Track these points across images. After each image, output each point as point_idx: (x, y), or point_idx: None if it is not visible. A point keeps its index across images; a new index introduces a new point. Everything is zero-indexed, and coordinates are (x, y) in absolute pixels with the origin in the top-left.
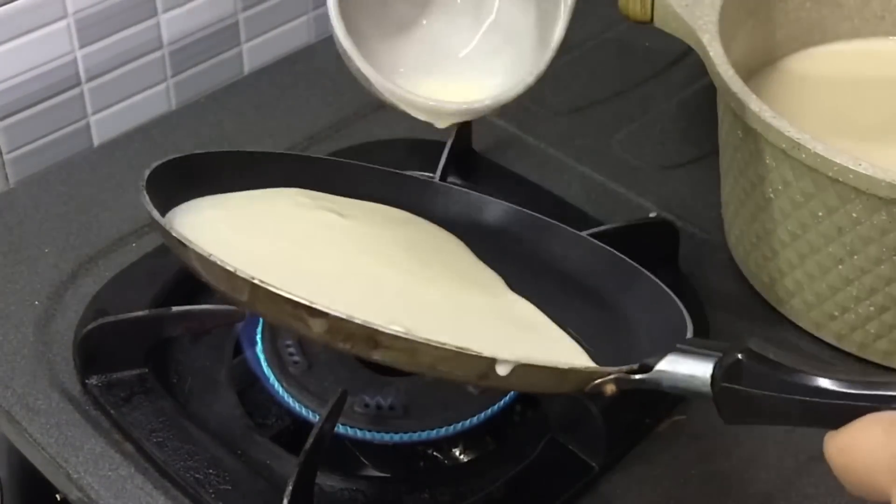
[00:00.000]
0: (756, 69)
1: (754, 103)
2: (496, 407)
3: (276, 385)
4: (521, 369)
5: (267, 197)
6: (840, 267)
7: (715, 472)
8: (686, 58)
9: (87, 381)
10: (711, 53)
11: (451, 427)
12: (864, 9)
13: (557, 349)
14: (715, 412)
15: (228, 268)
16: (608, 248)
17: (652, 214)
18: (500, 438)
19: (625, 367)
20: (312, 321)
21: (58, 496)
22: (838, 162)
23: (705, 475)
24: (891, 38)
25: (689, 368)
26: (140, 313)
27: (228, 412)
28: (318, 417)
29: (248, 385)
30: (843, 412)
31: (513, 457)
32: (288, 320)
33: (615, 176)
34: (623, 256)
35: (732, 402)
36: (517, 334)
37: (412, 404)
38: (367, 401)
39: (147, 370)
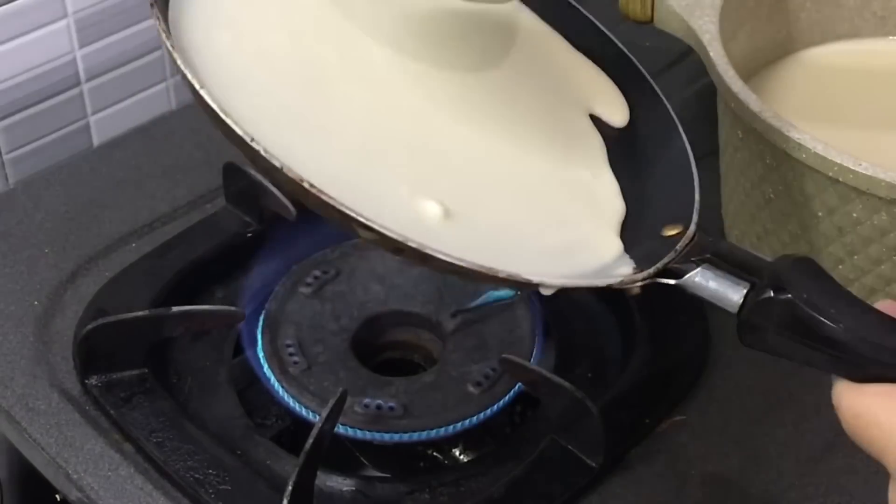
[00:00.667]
0: (756, 69)
1: (754, 104)
2: (496, 407)
3: (276, 385)
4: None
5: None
6: (840, 267)
7: (715, 472)
8: (686, 58)
9: (86, 381)
10: (711, 54)
11: (451, 427)
12: (864, 9)
13: (602, 244)
14: (714, 412)
15: (275, 163)
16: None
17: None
18: (500, 438)
19: (654, 273)
20: (362, 231)
21: (57, 496)
22: (838, 162)
23: (705, 475)
24: (891, 38)
25: (719, 286)
26: (140, 313)
27: (228, 412)
28: (318, 418)
29: (248, 385)
30: (866, 367)
31: (513, 457)
32: (337, 224)
33: None
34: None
35: (755, 332)
36: (565, 229)
37: (412, 404)
38: (367, 401)
39: (147, 370)
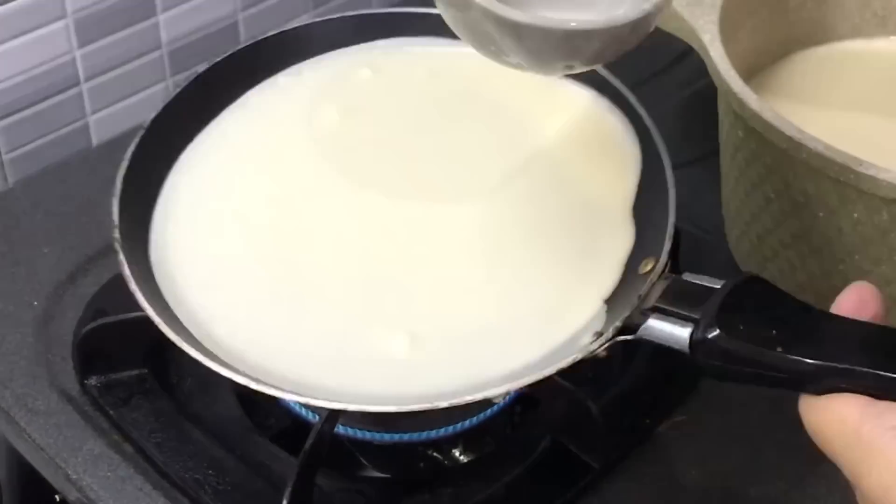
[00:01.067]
0: (757, 69)
1: (755, 103)
2: (496, 407)
3: None
4: None
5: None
6: (841, 267)
7: (715, 472)
8: (686, 58)
9: (86, 381)
10: (712, 53)
11: (451, 427)
12: (864, 9)
13: (578, 309)
14: (715, 413)
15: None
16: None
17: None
18: (500, 439)
19: (611, 336)
20: None
21: (57, 497)
22: (839, 162)
23: (706, 476)
24: (892, 38)
25: (670, 332)
26: (140, 313)
27: (228, 413)
28: (317, 418)
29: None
30: (819, 381)
31: (513, 457)
32: None
33: None
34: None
35: (710, 368)
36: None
37: None
38: None
39: (146, 371)
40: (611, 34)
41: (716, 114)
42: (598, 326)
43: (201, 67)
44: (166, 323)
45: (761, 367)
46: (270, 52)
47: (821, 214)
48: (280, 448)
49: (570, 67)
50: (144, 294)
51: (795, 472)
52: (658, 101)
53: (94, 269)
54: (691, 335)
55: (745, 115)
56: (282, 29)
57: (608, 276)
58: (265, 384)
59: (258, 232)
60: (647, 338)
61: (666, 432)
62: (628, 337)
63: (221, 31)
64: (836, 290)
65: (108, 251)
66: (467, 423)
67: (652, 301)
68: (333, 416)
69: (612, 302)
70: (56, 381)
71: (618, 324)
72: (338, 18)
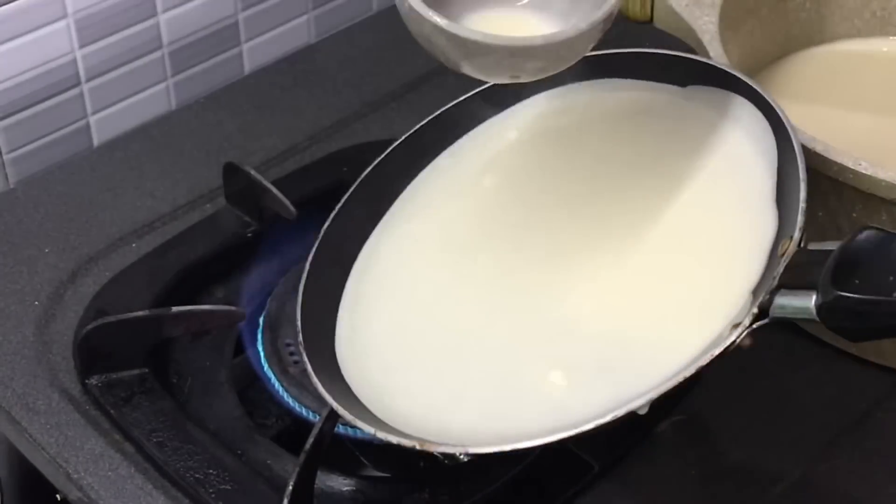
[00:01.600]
0: (756, 69)
1: None
2: None
3: (277, 385)
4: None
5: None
6: None
7: (715, 472)
8: None
9: (87, 381)
10: (711, 53)
11: None
12: (863, 9)
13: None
14: (714, 412)
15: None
16: None
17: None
18: None
19: (748, 324)
20: None
21: (58, 496)
22: (838, 162)
23: (705, 475)
24: (891, 37)
25: (797, 306)
26: (140, 313)
27: (228, 412)
28: (318, 417)
29: (249, 385)
30: None
31: (512, 457)
32: None
33: None
34: None
35: (843, 331)
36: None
37: None
38: None
39: (147, 370)
40: (552, 50)
41: None
42: (738, 317)
43: (362, 173)
44: (352, 413)
45: (887, 317)
46: (428, 137)
47: (820, 214)
48: (280, 448)
49: (517, 77)
50: (330, 391)
51: (795, 473)
52: None
53: (95, 268)
54: (815, 303)
55: None
56: (435, 114)
57: (755, 266)
58: (445, 444)
59: (430, 309)
60: (780, 316)
61: (665, 432)
62: (764, 321)
63: (221, 31)
64: None
65: (109, 251)
66: None
67: (778, 279)
68: (333, 415)
69: (756, 291)
70: (57, 381)
71: (754, 310)
72: (479, 94)
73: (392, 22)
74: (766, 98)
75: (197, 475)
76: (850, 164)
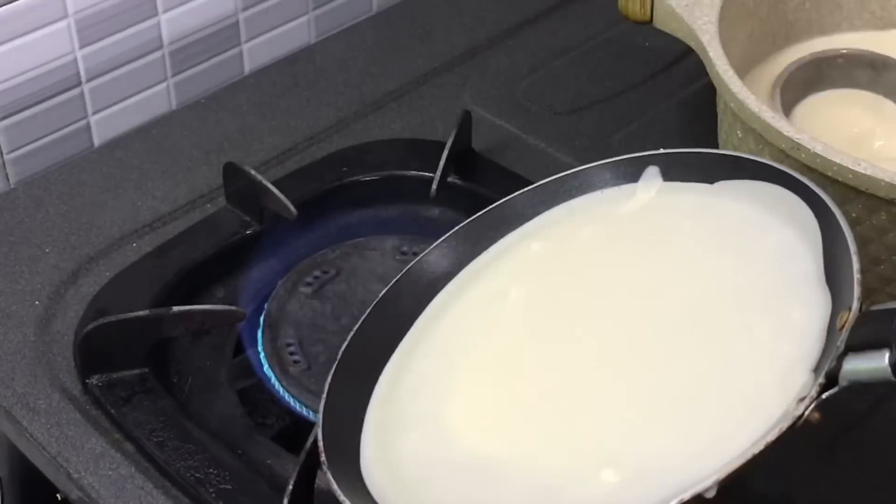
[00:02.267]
0: (756, 68)
1: (753, 104)
2: None
3: (277, 385)
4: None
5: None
6: None
7: None
8: (685, 58)
9: (87, 380)
10: (711, 54)
11: None
12: (862, 9)
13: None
14: None
15: None
16: None
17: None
18: None
19: (815, 395)
20: None
21: (58, 496)
22: (837, 162)
23: None
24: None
25: (868, 367)
26: (140, 313)
27: (229, 412)
28: (318, 416)
29: (249, 385)
30: None
31: None
32: None
33: None
34: None
35: None
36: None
37: None
38: None
39: (147, 370)
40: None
41: (715, 114)
42: (802, 392)
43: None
44: None
45: None
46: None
47: None
48: (280, 447)
49: None
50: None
51: (792, 473)
52: (657, 101)
53: (95, 268)
54: (889, 360)
55: (743, 115)
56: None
57: (814, 346)
58: None
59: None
60: (850, 380)
61: None
62: (833, 390)
63: (222, 31)
64: None
65: (109, 251)
66: None
67: (844, 344)
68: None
69: (818, 368)
70: (57, 381)
71: (821, 380)
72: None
73: (392, 22)
74: (803, 181)
75: (197, 475)
76: (849, 164)
